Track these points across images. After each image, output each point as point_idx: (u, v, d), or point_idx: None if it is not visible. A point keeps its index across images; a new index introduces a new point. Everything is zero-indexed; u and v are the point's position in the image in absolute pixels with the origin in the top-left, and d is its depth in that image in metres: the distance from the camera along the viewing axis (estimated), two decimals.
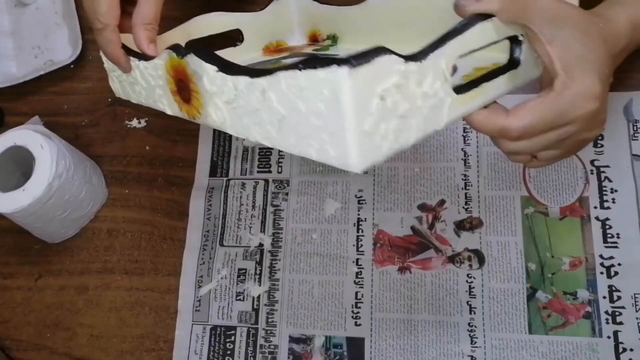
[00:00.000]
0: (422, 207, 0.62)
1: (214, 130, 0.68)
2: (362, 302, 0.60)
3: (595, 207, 0.59)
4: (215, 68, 0.41)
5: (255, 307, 0.61)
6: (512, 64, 0.40)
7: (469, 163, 0.62)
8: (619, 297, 0.56)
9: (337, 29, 0.62)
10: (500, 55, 0.41)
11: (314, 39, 0.64)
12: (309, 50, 0.63)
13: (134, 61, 0.50)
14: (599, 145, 0.61)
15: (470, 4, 0.38)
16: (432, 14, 0.52)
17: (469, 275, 0.59)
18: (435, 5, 0.51)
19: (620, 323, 0.55)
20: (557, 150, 0.41)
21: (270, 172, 0.66)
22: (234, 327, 0.61)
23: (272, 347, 0.60)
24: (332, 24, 0.62)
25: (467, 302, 0.58)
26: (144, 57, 0.48)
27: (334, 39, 0.62)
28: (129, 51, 0.50)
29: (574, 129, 0.39)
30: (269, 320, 0.61)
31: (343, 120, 0.33)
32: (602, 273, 0.57)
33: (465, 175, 0.62)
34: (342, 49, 0.61)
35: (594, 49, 0.38)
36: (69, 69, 0.73)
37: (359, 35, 0.60)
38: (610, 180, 0.59)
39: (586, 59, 0.38)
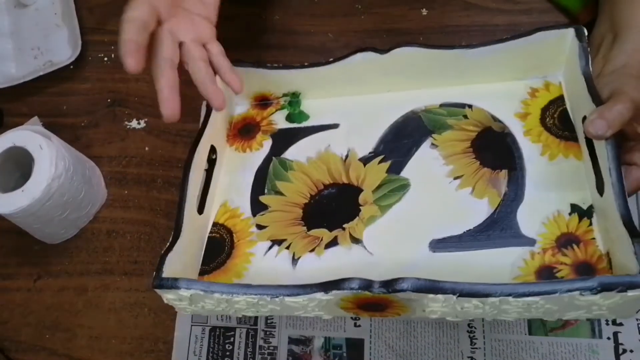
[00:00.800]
0: None
1: None
2: None
3: None
4: (452, 297, 0.41)
5: None
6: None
7: None
8: None
9: (298, 87, 0.60)
10: None
11: (261, 99, 0.62)
12: (272, 115, 0.61)
13: (262, 297, 0.44)
14: None
15: (608, 131, 0.45)
16: (412, 63, 0.56)
17: None
18: (417, 56, 0.55)
19: (620, 324, 0.55)
20: None
21: None
22: (233, 328, 0.61)
23: (272, 348, 0.60)
24: (291, 84, 0.60)
25: None
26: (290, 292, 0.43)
27: (294, 95, 0.61)
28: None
29: None
30: (268, 321, 0.61)
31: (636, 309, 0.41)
32: None
33: None
34: (309, 105, 0.61)
35: None
36: (69, 70, 0.73)
37: (327, 89, 0.59)
38: None
39: None
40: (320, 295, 0.43)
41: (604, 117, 0.45)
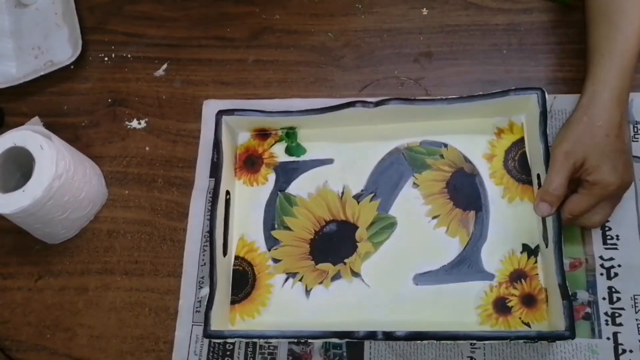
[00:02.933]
0: None
1: (214, 132, 0.68)
2: None
3: None
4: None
5: None
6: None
7: None
8: (619, 299, 0.56)
9: (294, 124, 0.65)
10: None
11: (260, 130, 0.66)
12: (272, 147, 0.66)
13: None
14: None
15: (552, 209, 0.54)
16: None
17: None
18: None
19: (620, 324, 0.55)
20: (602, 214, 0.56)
21: None
22: None
23: (272, 347, 0.60)
24: (287, 122, 0.65)
25: None
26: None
27: (291, 128, 0.66)
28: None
29: (610, 201, 0.56)
30: None
31: None
32: (601, 274, 0.57)
33: None
34: (305, 137, 0.66)
35: (602, 149, 0.53)
36: (69, 70, 0.73)
37: (321, 126, 0.65)
38: None
39: (602, 159, 0.53)
40: (335, 340, 0.57)
41: (545, 201, 0.54)
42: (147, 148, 0.70)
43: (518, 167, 0.61)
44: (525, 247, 0.58)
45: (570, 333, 0.51)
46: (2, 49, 0.75)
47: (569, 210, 0.54)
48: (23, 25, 0.77)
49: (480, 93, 0.61)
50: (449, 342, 0.56)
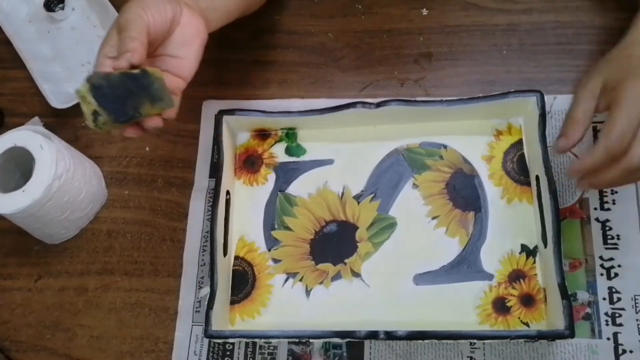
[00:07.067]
0: None
1: (214, 131, 0.68)
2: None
3: (596, 209, 0.59)
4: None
5: None
6: None
7: None
8: (619, 299, 0.56)
9: (294, 124, 0.65)
10: None
11: (260, 131, 0.67)
12: (272, 147, 0.66)
13: None
14: None
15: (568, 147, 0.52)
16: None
17: None
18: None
19: (620, 325, 0.55)
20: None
21: None
22: None
23: (272, 348, 0.60)
24: (287, 122, 0.65)
25: None
26: None
27: (290, 129, 0.66)
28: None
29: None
30: None
31: None
32: (602, 274, 0.57)
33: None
34: (305, 136, 0.66)
35: None
36: None
37: (321, 127, 0.65)
38: None
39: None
40: (336, 340, 0.57)
41: (568, 131, 0.52)
42: (147, 148, 0.70)
43: (516, 168, 0.61)
44: (524, 248, 0.58)
45: (570, 332, 0.51)
46: (52, 74, 0.73)
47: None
48: (64, 48, 0.75)
49: (480, 95, 0.61)
50: (449, 341, 0.56)
